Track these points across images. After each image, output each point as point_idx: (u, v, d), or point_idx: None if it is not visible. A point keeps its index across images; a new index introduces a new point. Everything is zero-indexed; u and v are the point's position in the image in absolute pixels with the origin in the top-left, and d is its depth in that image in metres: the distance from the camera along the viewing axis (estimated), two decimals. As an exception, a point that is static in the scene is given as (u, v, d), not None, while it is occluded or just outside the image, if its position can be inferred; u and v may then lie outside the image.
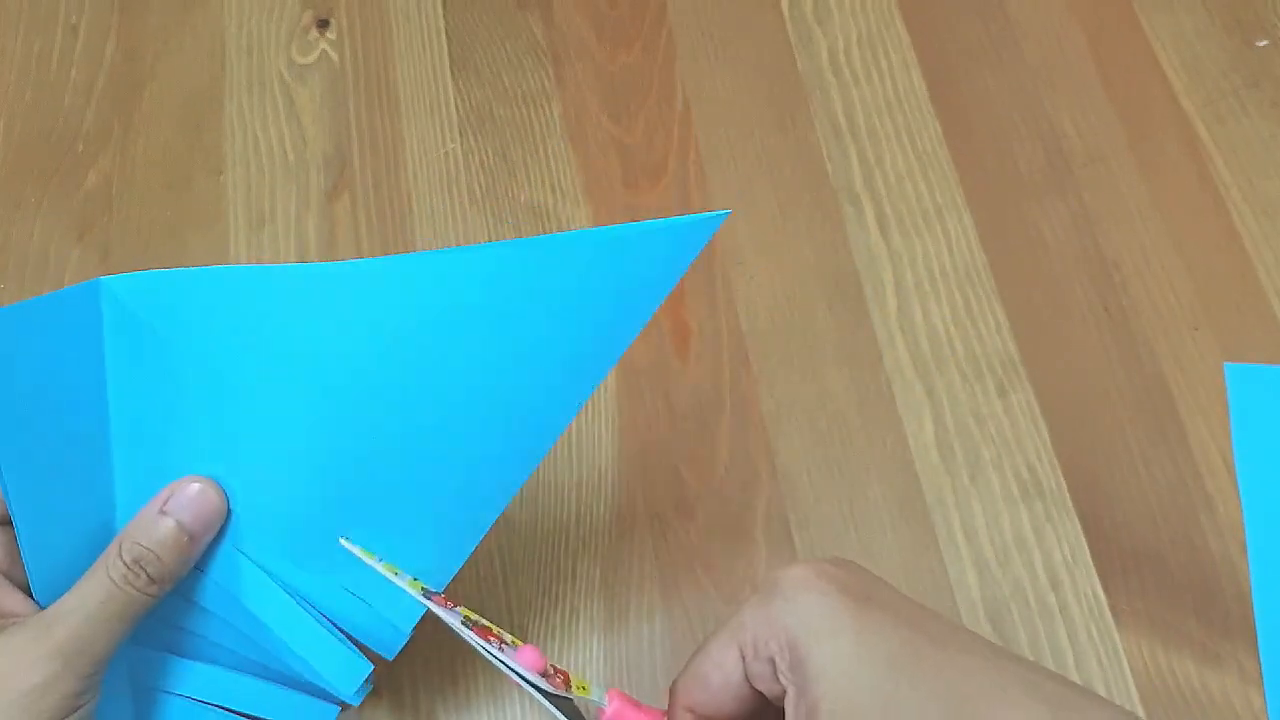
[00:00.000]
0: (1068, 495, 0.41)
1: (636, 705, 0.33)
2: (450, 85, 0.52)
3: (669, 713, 0.32)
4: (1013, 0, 0.50)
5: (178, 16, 0.55)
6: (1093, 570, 0.40)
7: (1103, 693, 0.38)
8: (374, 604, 0.35)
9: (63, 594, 0.32)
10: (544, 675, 0.32)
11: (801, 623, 0.28)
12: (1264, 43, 0.48)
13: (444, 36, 0.53)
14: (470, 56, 0.53)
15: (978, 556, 0.40)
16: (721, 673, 0.30)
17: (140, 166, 0.52)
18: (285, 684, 0.36)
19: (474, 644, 0.32)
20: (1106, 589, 0.39)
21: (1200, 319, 0.43)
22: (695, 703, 0.31)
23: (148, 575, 0.32)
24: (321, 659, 0.35)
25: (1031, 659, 0.30)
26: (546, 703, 0.32)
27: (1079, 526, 0.40)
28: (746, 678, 0.30)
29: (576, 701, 0.33)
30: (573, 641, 0.40)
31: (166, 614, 0.35)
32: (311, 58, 0.54)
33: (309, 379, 0.33)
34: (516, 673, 0.32)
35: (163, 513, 0.32)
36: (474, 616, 0.34)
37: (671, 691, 0.32)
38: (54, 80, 0.54)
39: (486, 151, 0.50)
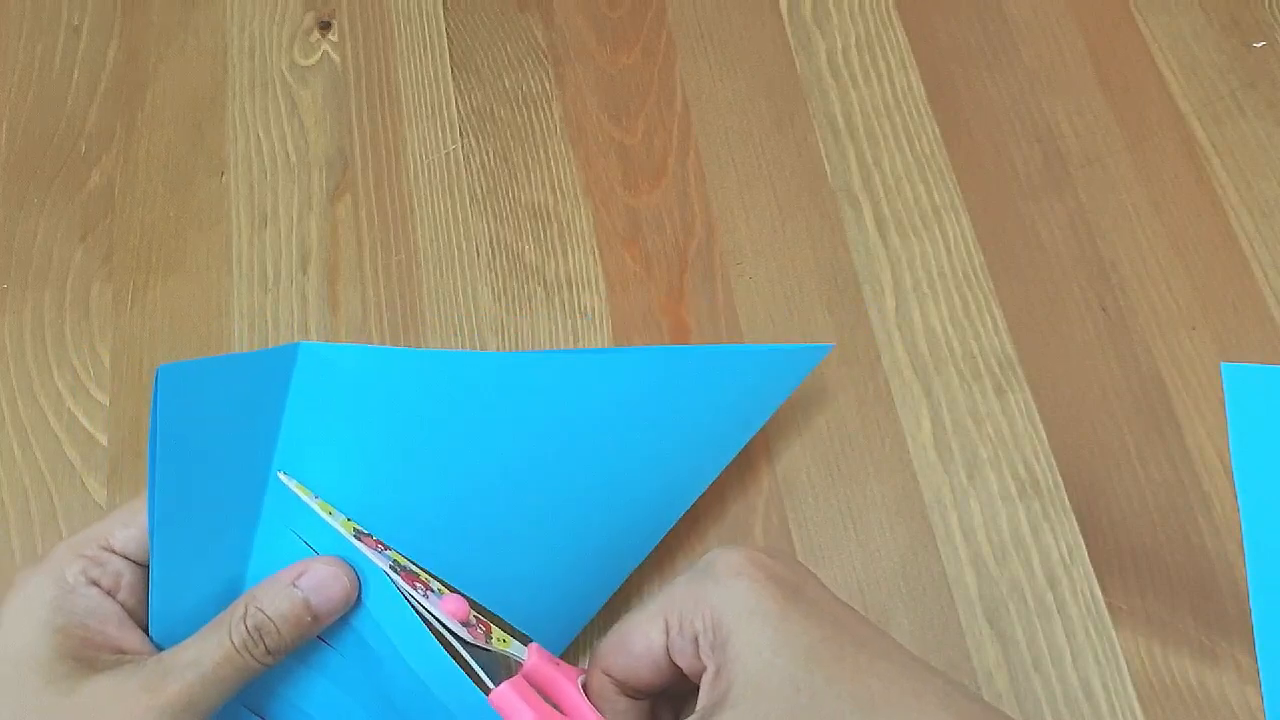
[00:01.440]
0: (1065, 494, 0.41)
1: (555, 662, 0.33)
2: (451, 86, 0.52)
3: (588, 674, 0.33)
4: (1010, 2, 0.51)
5: (180, 18, 0.55)
6: (1090, 569, 0.40)
7: (1100, 691, 0.38)
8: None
9: (178, 639, 0.32)
10: (465, 624, 0.32)
11: (728, 605, 0.29)
12: (1261, 44, 0.48)
13: (445, 38, 0.54)
14: (471, 58, 0.53)
15: (975, 555, 0.41)
16: (645, 642, 0.31)
17: (142, 167, 0.52)
18: None
19: (398, 588, 0.32)
20: (1104, 587, 0.40)
21: (1197, 319, 0.44)
22: (614, 666, 0.32)
23: (265, 646, 0.31)
24: None
25: (957, 680, 0.31)
26: (463, 651, 0.32)
27: (1076, 525, 0.41)
28: (668, 650, 0.31)
29: (497, 654, 0.33)
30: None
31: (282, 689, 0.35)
32: (313, 59, 0.54)
33: (468, 455, 0.35)
34: (437, 619, 0.32)
35: (294, 586, 0.32)
36: (403, 562, 0.34)
37: (594, 653, 0.33)
38: (56, 81, 0.54)
39: (487, 152, 0.50)
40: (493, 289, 0.47)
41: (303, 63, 0.54)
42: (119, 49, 0.55)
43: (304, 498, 0.34)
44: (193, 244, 0.50)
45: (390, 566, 0.33)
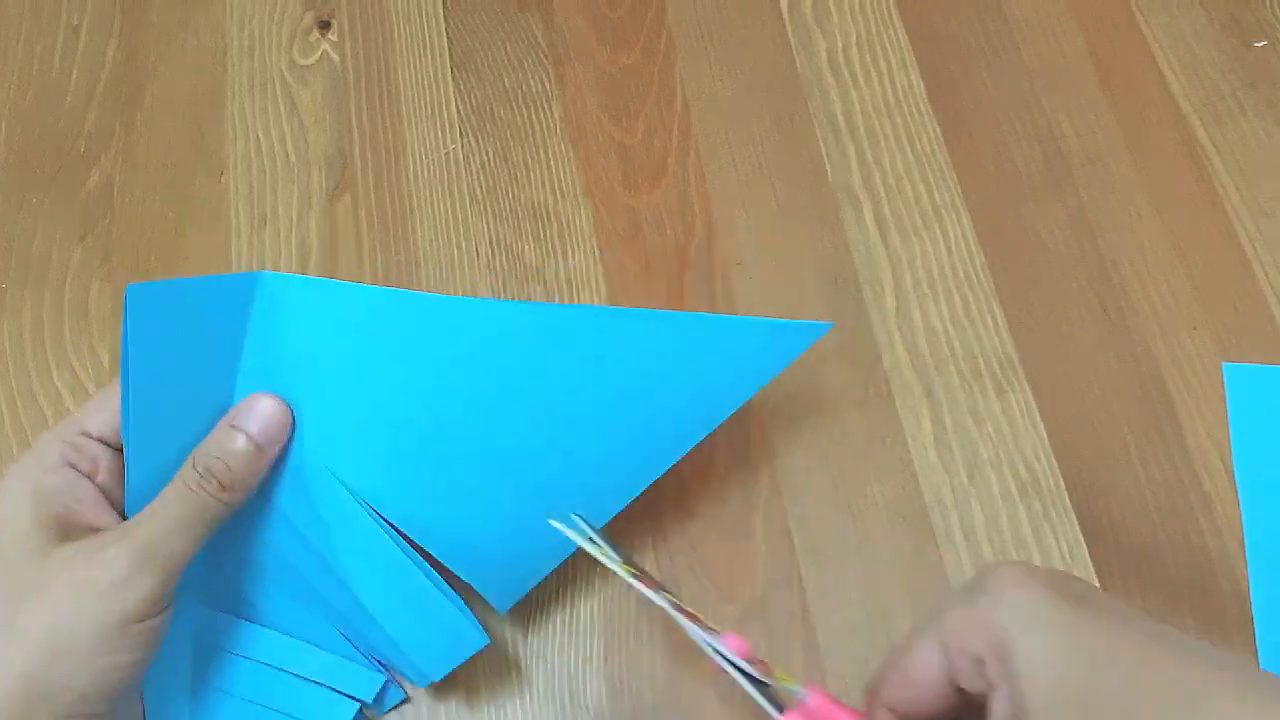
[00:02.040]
0: (1066, 494, 0.41)
1: (837, 703, 0.33)
2: (451, 86, 0.52)
3: (868, 710, 0.32)
4: (1011, 1, 0.51)
5: (179, 17, 0.55)
6: (1091, 569, 0.40)
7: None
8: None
9: None
10: (749, 661, 0.33)
11: (1010, 620, 0.28)
12: (1262, 43, 0.48)
13: (445, 38, 0.53)
14: (471, 57, 0.53)
15: (976, 555, 0.41)
16: (925, 669, 0.30)
17: (142, 167, 0.52)
18: (350, 655, 0.39)
19: (685, 627, 0.34)
20: (1104, 588, 0.39)
21: (1198, 319, 0.44)
22: (897, 700, 0.31)
23: (218, 482, 0.34)
24: (424, 625, 0.36)
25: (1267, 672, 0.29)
26: (749, 686, 0.33)
27: (1077, 525, 0.41)
28: (949, 676, 0.29)
29: (776, 689, 0.33)
30: (573, 642, 0.41)
31: (249, 561, 0.38)
32: (313, 59, 0.54)
33: (440, 391, 0.36)
34: (725, 657, 0.33)
35: (232, 427, 0.35)
36: (678, 601, 0.35)
37: (870, 691, 0.32)
38: (56, 81, 0.54)
39: (487, 152, 0.50)
40: (493, 289, 0.47)
41: (302, 62, 0.54)
42: (118, 48, 0.55)
43: (579, 541, 0.35)
44: (192, 244, 0.50)
45: (671, 604, 0.34)
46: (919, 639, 0.30)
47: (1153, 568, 0.40)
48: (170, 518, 0.33)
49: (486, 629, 0.37)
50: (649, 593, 0.34)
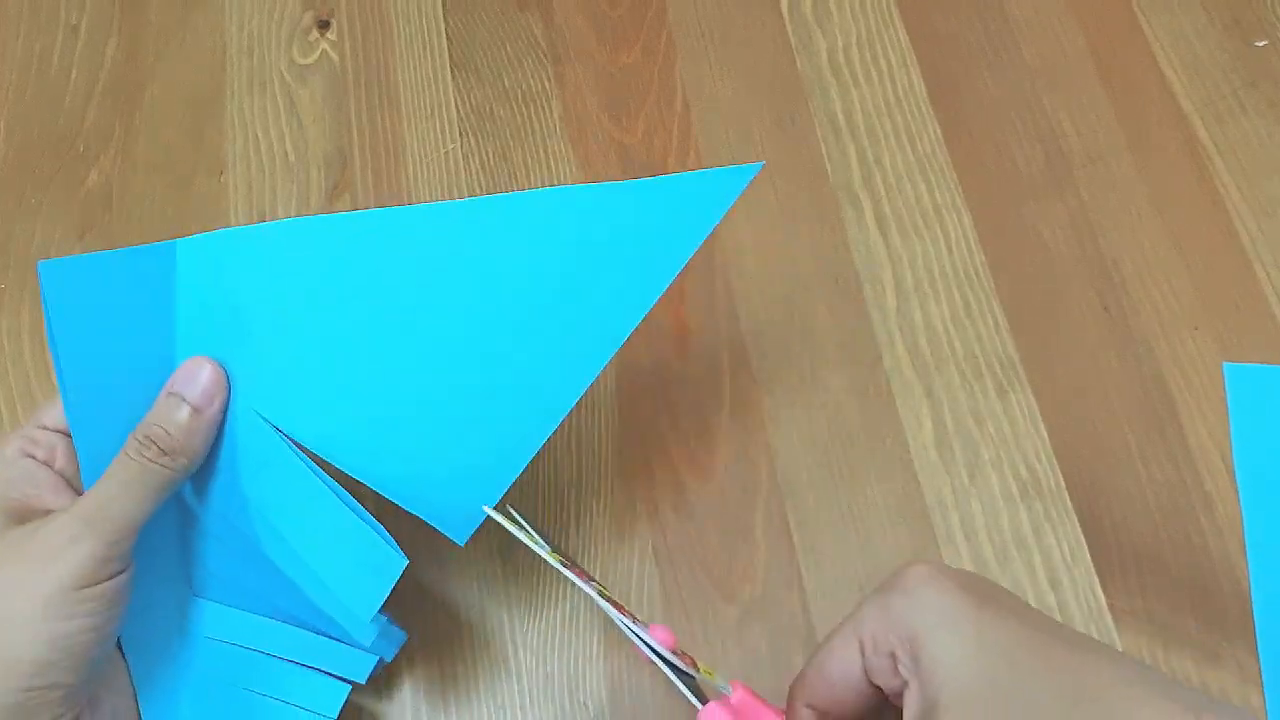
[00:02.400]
0: (1067, 495, 0.41)
1: (760, 699, 0.34)
2: (450, 86, 0.52)
3: (788, 709, 0.32)
4: (1012, 1, 0.51)
5: (178, 17, 0.55)
6: (1092, 570, 0.40)
7: (1102, 692, 0.38)
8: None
9: None
10: (675, 653, 0.33)
11: (922, 617, 0.29)
12: (1263, 43, 0.48)
13: (444, 37, 0.53)
14: (470, 57, 0.53)
15: (977, 556, 0.40)
16: (842, 667, 0.30)
17: (141, 166, 0.52)
18: (319, 632, 0.38)
19: (613, 617, 0.33)
20: (1105, 588, 0.39)
21: (1199, 319, 0.43)
22: (815, 698, 0.31)
23: (158, 447, 0.34)
24: (351, 559, 0.36)
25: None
26: (674, 676, 0.33)
27: (1078, 526, 0.41)
28: (866, 673, 0.30)
29: (700, 681, 0.34)
30: (573, 641, 0.41)
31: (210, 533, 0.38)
32: (312, 58, 0.54)
33: (361, 315, 0.36)
34: (651, 648, 0.33)
35: (169, 394, 0.35)
36: (606, 592, 0.35)
37: (791, 689, 0.32)
38: (55, 80, 0.54)
39: (487, 152, 0.50)
40: (492, 289, 0.47)
41: (301, 62, 0.54)
42: (117, 48, 0.55)
43: (517, 532, 0.35)
44: (191, 243, 0.50)
45: (598, 593, 0.34)
46: (837, 637, 0.31)
47: (1154, 568, 0.40)
48: (113, 484, 0.34)
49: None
50: (579, 581, 0.34)
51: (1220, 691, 0.38)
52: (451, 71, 0.52)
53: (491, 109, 0.51)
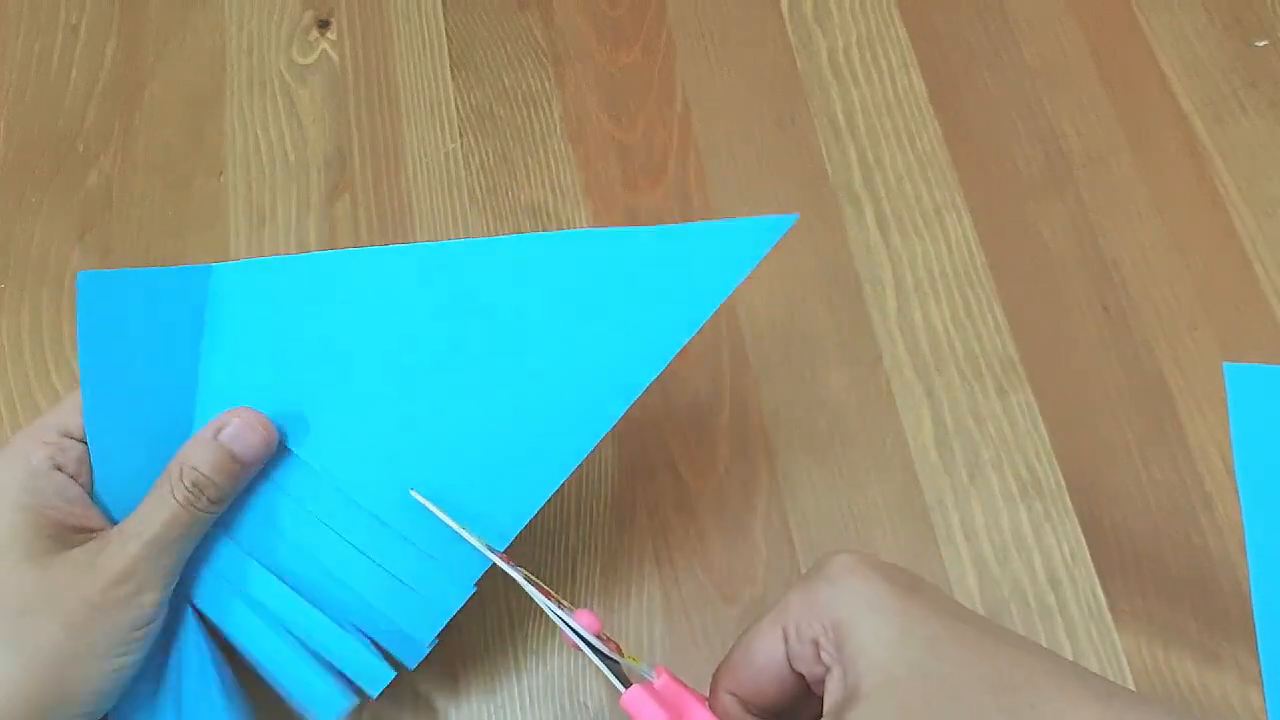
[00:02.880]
0: (1067, 495, 0.41)
1: (684, 685, 0.34)
2: (450, 85, 0.52)
3: (711, 695, 0.33)
4: (1012, 1, 0.51)
5: (178, 17, 0.55)
6: (1092, 570, 0.40)
7: (1102, 692, 0.38)
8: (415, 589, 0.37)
9: (129, 508, 0.35)
10: (600, 638, 0.33)
11: (846, 605, 0.29)
12: (1263, 43, 0.48)
13: (444, 37, 0.53)
14: (470, 57, 0.53)
15: (977, 556, 0.40)
16: (766, 654, 0.30)
17: (141, 166, 0.52)
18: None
19: (539, 601, 0.33)
20: (1106, 588, 0.39)
21: (1199, 319, 0.43)
22: (738, 685, 0.31)
23: (208, 498, 0.34)
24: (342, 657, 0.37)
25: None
26: (600, 662, 0.33)
27: (1078, 526, 0.41)
28: (789, 660, 0.30)
29: (625, 667, 0.34)
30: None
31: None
32: (312, 58, 0.54)
33: (391, 351, 0.37)
34: (576, 633, 0.33)
35: (217, 440, 0.35)
36: (533, 578, 0.35)
37: (715, 675, 0.32)
38: (55, 80, 0.54)
39: (487, 152, 0.50)
40: (492, 289, 0.47)
41: (301, 61, 0.54)
42: (117, 48, 0.55)
43: (438, 514, 0.35)
44: (191, 243, 0.50)
45: (524, 578, 0.34)
46: (761, 624, 0.31)
47: (1154, 568, 0.40)
48: (160, 534, 0.34)
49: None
50: (505, 566, 0.34)
51: (1220, 691, 0.38)
52: (451, 71, 0.52)
53: (491, 109, 0.51)
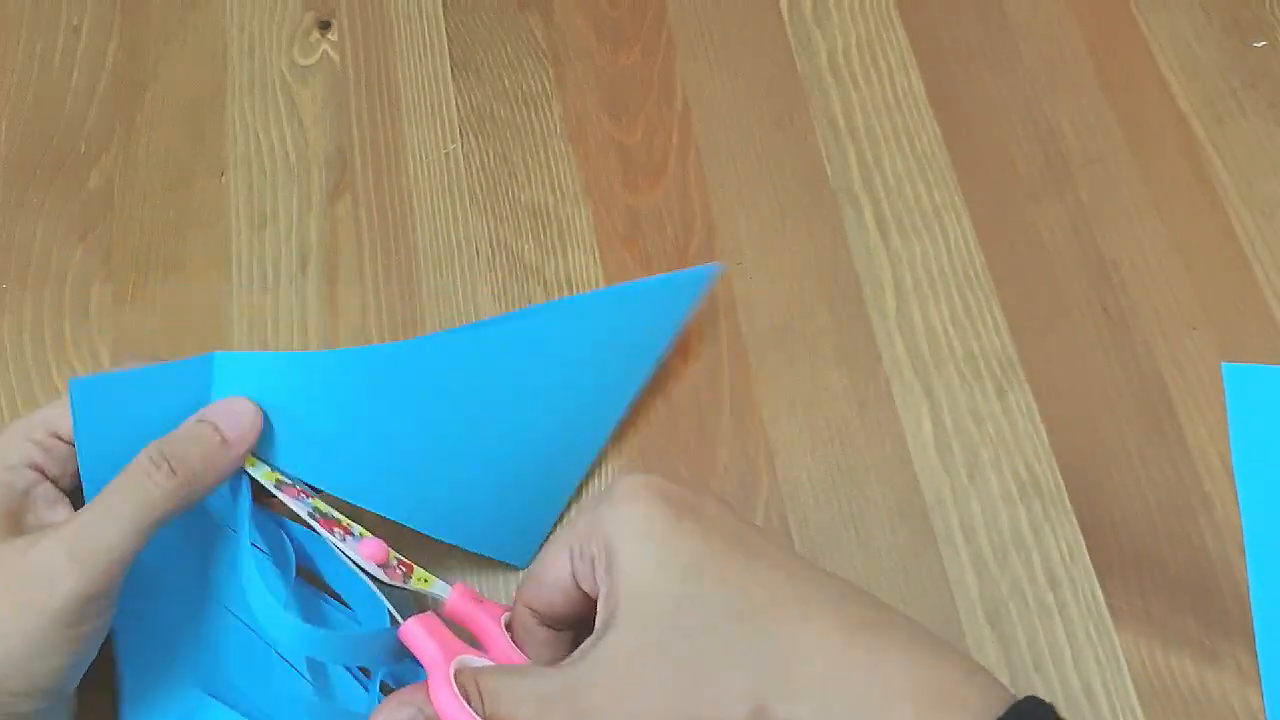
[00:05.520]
0: (1066, 495, 0.41)
1: (480, 600, 0.35)
2: (451, 86, 0.52)
3: (513, 608, 0.34)
4: (1011, 1, 0.51)
5: (179, 17, 0.55)
6: (1091, 570, 0.40)
7: (1100, 692, 0.38)
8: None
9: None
10: (384, 567, 0.34)
11: (617, 527, 0.30)
12: (1262, 43, 0.48)
13: (444, 37, 0.53)
14: (471, 57, 0.53)
15: (976, 556, 0.41)
16: (554, 571, 0.32)
17: (142, 167, 0.52)
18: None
19: (320, 533, 0.34)
20: (1105, 588, 0.39)
21: (1198, 319, 0.44)
22: (531, 598, 0.33)
23: (169, 467, 0.32)
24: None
25: (857, 584, 0.30)
26: (376, 589, 0.33)
27: (1077, 526, 0.41)
28: (574, 578, 0.31)
29: (414, 593, 0.34)
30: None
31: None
32: (313, 59, 0.54)
33: (398, 432, 0.38)
34: (354, 562, 0.33)
35: (201, 420, 0.34)
36: (324, 509, 0.36)
37: (516, 590, 0.35)
38: (56, 81, 0.54)
39: (487, 152, 0.50)
40: (492, 289, 0.47)
41: (302, 62, 0.54)
42: (118, 49, 0.55)
43: (249, 469, 0.36)
44: (192, 244, 0.50)
45: (309, 513, 0.34)
46: (553, 541, 0.34)
47: (1153, 568, 0.40)
48: (109, 506, 0.32)
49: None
50: (289, 500, 0.34)
51: (1219, 691, 0.38)
52: (451, 71, 0.53)
53: (491, 109, 0.51)
